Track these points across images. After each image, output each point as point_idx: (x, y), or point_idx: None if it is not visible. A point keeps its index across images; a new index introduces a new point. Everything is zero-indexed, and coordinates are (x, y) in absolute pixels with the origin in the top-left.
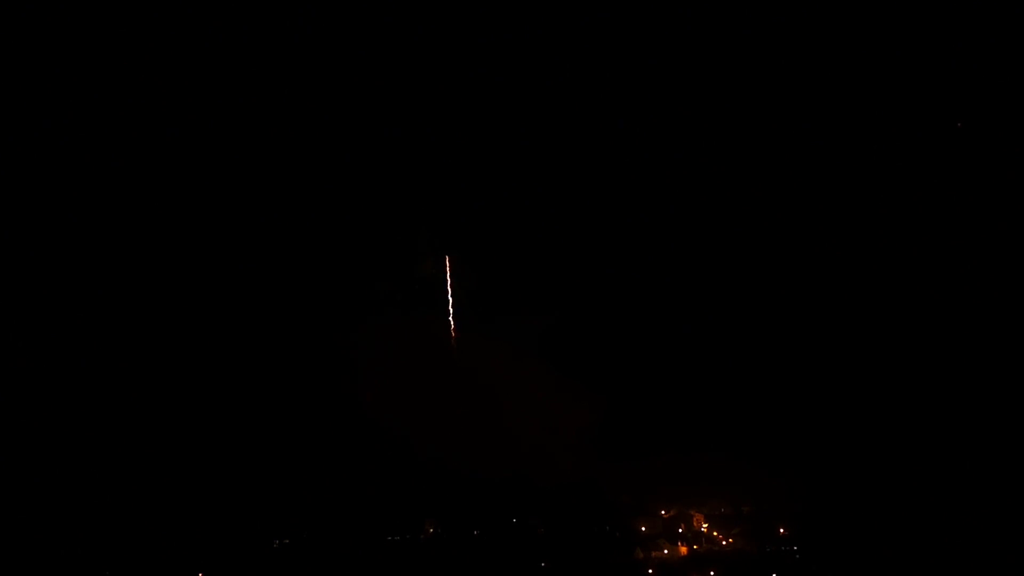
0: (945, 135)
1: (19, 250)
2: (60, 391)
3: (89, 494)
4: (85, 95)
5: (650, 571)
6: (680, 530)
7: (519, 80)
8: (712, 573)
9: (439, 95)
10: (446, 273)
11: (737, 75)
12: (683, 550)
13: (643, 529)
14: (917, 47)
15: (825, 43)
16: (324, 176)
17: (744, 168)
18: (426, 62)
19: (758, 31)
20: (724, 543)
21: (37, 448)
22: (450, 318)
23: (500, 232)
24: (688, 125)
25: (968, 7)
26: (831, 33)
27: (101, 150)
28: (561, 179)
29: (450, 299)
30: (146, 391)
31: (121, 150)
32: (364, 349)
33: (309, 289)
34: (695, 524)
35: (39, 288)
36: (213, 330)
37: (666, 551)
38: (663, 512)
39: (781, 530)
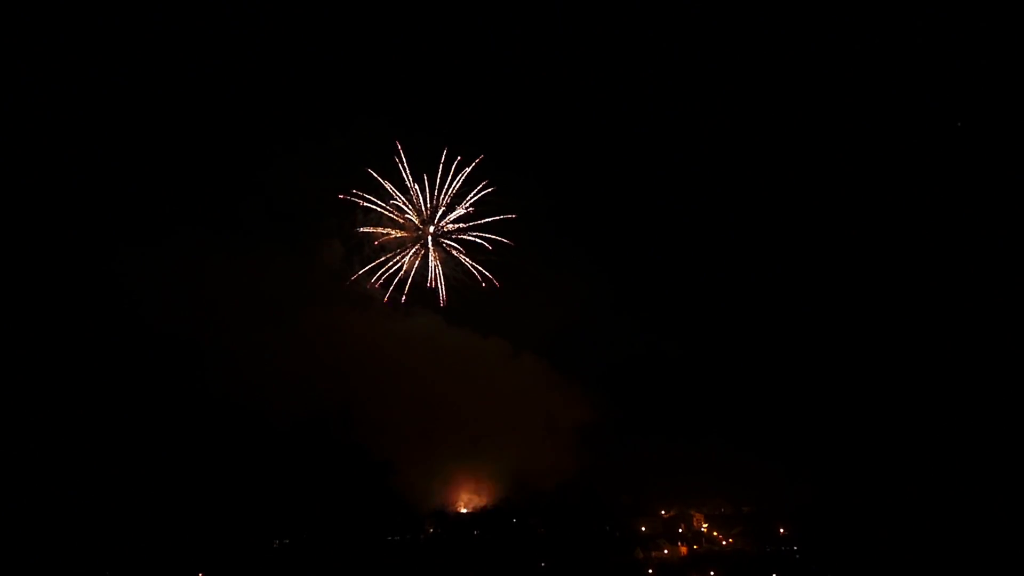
0: (945, 135)
1: None
2: (59, 392)
3: (89, 494)
4: None
5: (650, 571)
6: (680, 530)
7: (520, 76)
8: (712, 573)
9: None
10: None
11: (737, 74)
12: (683, 550)
13: (643, 529)
14: (917, 47)
15: (827, 44)
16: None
17: (746, 165)
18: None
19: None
20: (724, 543)
21: (37, 449)
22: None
23: (501, 231)
24: (689, 125)
25: (968, 7)
26: (833, 34)
27: None
28: (560, 172)
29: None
30: (146, 393)
31: None
32: (363, 350)
33: (309, 288)
34: (695, 524)
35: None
36: (212, 332)
37: (666, 551)
38: (663, 512)
39: (781, 530)
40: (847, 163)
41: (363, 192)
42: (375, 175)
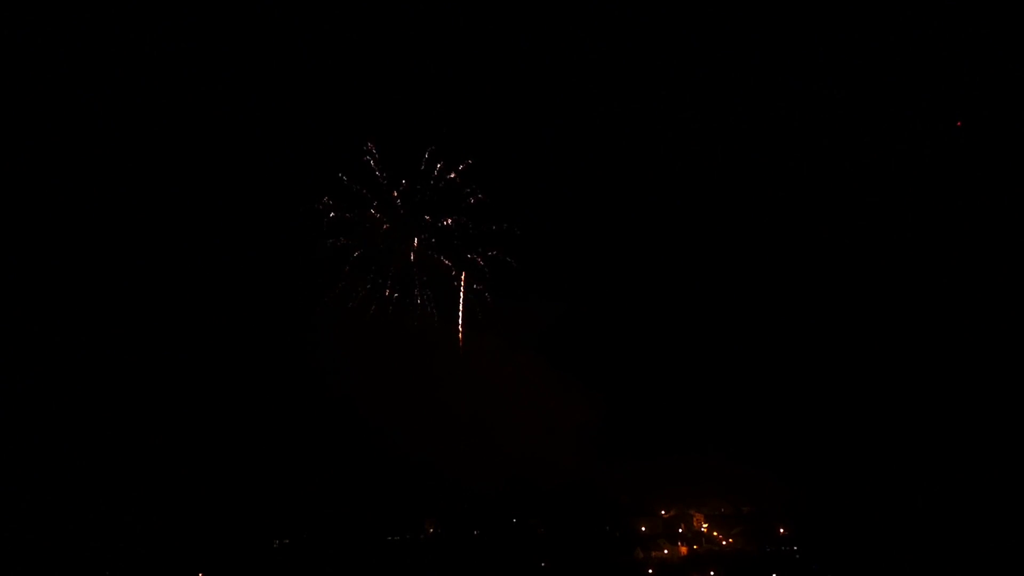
0: (945, 135)
1: None
2: (60, 392)
3: (89, 494)
4: None
5: (650, 571)
6: (680, 530)
7: (523, 78)
8: (712, 573)
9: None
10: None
11: (738, 74)
12: (683, 550)
13: (643, 529)
14: (917, 47)
15: (827, 44)
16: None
17: (745, 170)
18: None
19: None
20: (724, 543)
21: (38, 449)
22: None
23: (503, 232)
24: (691, 125)
25: (968, 7)
26: (834, 34)
27: None
28: (567, 181)
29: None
30: (146, 393)
31: None
32: (365, 350)
33: (313, 290)
34: (695, 524)
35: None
36: (212, 333)
37: (666, 551)
38: (663, 512)
39: (781, 530)
40: (846, 167)
41: (335, 200)
42: (346, 179)
